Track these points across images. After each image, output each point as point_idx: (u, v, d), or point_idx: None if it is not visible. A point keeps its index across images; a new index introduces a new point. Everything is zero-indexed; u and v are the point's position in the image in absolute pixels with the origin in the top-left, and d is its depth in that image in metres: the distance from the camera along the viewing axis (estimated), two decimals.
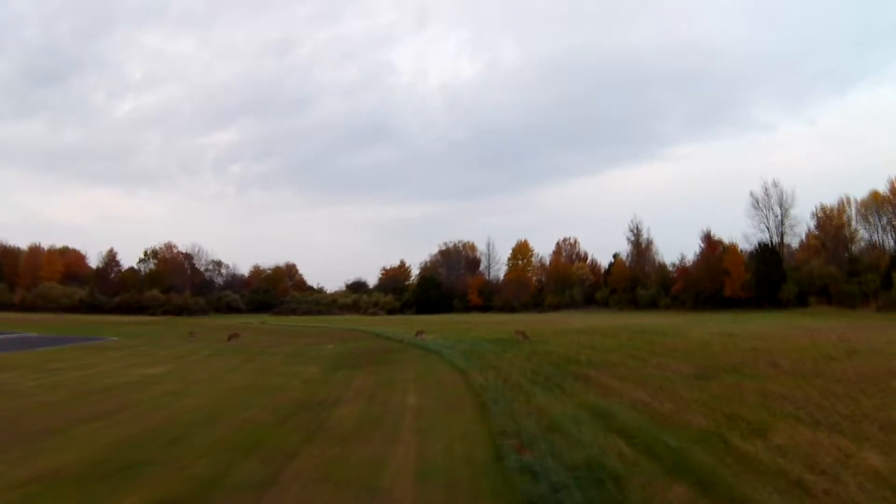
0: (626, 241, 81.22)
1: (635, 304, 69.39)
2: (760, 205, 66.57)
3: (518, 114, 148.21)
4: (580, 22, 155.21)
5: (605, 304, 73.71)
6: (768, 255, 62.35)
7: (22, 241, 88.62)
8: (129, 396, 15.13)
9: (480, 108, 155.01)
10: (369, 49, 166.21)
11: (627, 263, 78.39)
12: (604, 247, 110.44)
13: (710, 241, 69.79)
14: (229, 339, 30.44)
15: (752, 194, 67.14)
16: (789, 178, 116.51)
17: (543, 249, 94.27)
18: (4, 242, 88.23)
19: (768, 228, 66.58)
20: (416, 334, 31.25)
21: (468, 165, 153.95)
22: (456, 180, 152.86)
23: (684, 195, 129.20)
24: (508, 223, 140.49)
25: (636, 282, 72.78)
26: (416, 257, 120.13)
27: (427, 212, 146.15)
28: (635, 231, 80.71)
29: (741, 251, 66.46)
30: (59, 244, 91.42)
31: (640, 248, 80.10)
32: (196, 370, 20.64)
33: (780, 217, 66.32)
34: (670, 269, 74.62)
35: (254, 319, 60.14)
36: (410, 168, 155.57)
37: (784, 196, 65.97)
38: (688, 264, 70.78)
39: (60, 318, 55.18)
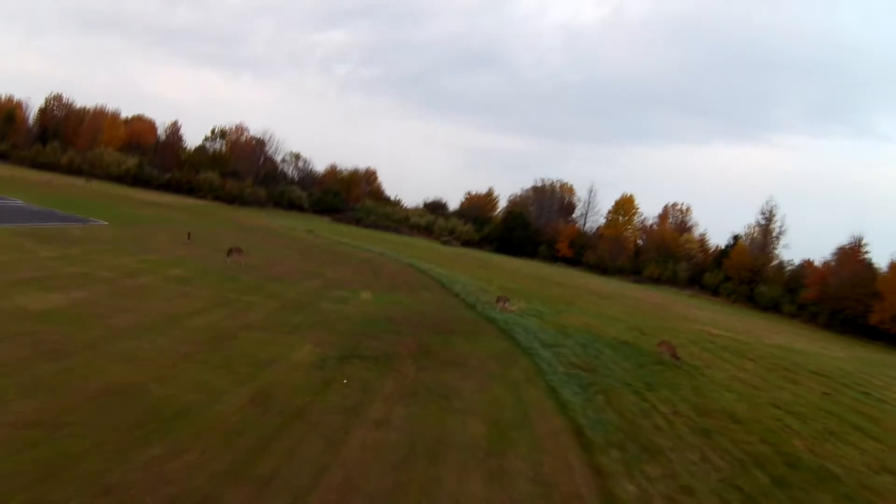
0: (746, 227, 68.91)
1: (752, 302, 58.46)
2: None
3: (633, 68, 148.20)
4: None
5: (713, 292, 62.71)
6: None
7: (123, 110, 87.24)
8: None
9: (596, 55, 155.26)
10: None
11: (750, 251, 64.99)
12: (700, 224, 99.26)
13: (856, 251, 55.07)
14: (228, 254, 22.27)
15: None
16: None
17: (643, 210, 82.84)
18: (72, 103, 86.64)
19: None
20: (497, 301, 21.54)
21: (573, 109, 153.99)
22: (557, 121, 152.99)
23: (788, 187, 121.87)
24: (603, 175, 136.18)
25: (757, 275, 60.82)
26: (504, 191, 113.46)
27: (522, 147, 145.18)
28: (768, 216, 66.16)
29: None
30: (152, 116, 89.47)
31: (769, 236, 65.86)
32: (105, 315, 12.26)
33: None
34: (789, 268, 63.40)
35: (304, 224, 53.02)
36: (513, 101, 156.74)
37: None
38: (820, 268, 57.59)
39: (88, 185, 50.80)
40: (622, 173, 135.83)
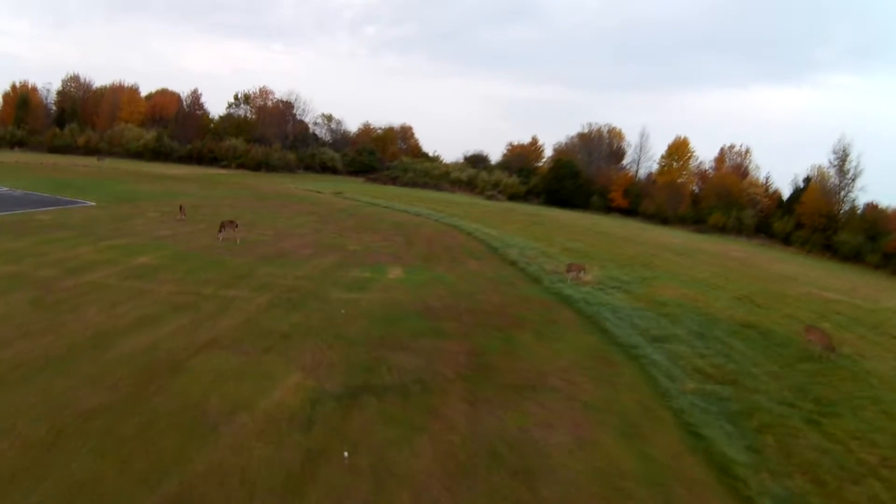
0: (810, 168, 61.97)
1: (831, 251, 52.56)
2: None
3: (671, 9, 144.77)
4: None
5: (785, 240, 56.74)
6: None
7: (148, 85, 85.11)
8: None
9: None
10: None
11: (823, 194, 58.35)
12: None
13: None
14: (220, 230, 18.24)
15: None
16: None
17: (697, 155, 77.23)
18: (89, 83, 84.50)
19: None
20: (568, 270, 16.67)
21: (611, 56, 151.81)
22: (597, 69, 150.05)
23: (837, 128, 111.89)
24: (648, 122, 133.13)
25: (834, 221, 54.53)
26: (549, 142, 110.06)
27: (564, 96, 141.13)
28: (841, 155, 57.74)
29: None
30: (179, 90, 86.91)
31: (845, 178, 58.43)
32: None
33: None
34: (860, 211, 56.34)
35: (334, 186, 48.85)
36: (550, 50, 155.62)
37: None
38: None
39: (99, 165, 47.80)
40: (667, 119, 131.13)
